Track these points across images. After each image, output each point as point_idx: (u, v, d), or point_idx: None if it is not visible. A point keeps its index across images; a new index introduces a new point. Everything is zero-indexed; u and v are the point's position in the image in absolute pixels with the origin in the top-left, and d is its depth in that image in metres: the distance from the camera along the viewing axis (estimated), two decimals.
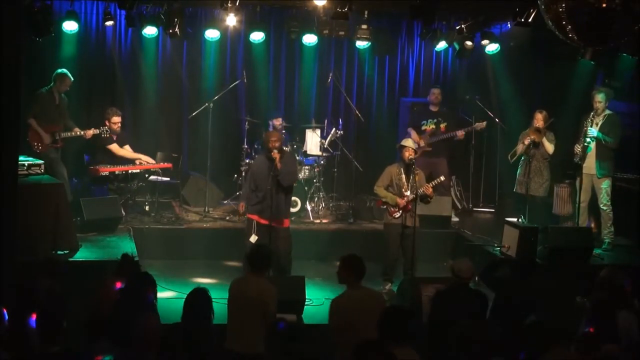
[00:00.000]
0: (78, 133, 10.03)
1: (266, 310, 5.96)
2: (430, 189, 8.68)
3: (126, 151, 10.28)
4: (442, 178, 9.11)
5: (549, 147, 9.81)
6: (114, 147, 10.20)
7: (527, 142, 9.78)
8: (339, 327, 5.79)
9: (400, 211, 8.64)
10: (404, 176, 8.72)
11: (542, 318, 5.81)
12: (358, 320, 5.72)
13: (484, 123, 11.21)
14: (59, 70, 9.93)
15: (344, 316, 5.81)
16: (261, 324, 5.89)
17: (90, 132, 10.04)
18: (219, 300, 8.00)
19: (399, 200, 8.64)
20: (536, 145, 9.79)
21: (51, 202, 8.28)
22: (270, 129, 10.70)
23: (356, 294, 5.95)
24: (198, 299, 5.62)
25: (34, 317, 5.19)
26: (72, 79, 9.99)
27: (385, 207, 8.98)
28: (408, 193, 8.59)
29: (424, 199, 8.72)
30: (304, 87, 11.96)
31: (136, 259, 6.92)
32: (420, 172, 8.87)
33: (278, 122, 10.87)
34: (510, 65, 11.72)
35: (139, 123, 11.26)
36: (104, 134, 10.10)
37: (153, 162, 10.48)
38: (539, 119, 9.79)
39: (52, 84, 9.87)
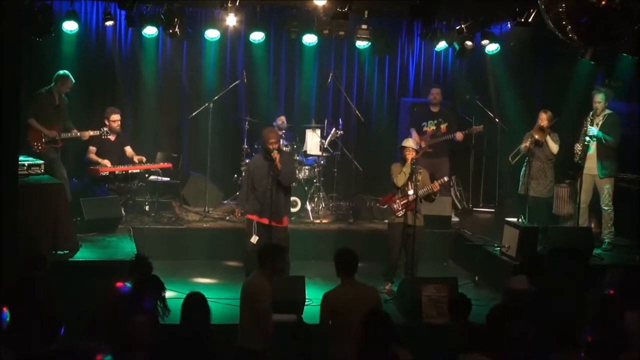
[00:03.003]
0: (76, 135, 10.04)
1: (256, 307, 6.07)
2: (437, 186, 8.70)
3: (93, 156, 10.23)
4: (446, 178, 9.18)
5: (554, 147, 9.80)
6: (91, 150, 10.24)
7: (528, 143, 9.77)
8: (327, 320, 5.96)
9: (403, 210, 8.65)
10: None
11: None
12: (345, 314, 5.87)
13: (481, 127, 11.24)
14: (61, 72, 9.92)
15: (333, 310, 5.97)
16: (255, 320, 6.04)
17: (87, 134, 10.05)
18: (219, 300, 8.06)
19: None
20: (539, 144, 9.78)
21: (51, 202, 8.27)
22: (275, 127, 10.73)
23: (346, 289, 6.08)
24: (194, 304, 5.61)
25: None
26: (74, 81, 9.99)
27: (386, 206, 9.00)
28: (411, 192, 8.60)
29: (429, 197, 8.73)
30: (304, 87, 11.96)
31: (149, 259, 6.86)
32: (424, 170, 8.88)
33: (281, 120, 10.92)
34: (510, 65, 11.72)
35: (139, 123, 11.27)
36: (104, 135, 10.11)
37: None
38: (543, 119, 9.79)
39: (52, 84, 9.87)
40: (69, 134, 9.99)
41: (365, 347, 5.05)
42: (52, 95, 9.88)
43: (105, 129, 10.14)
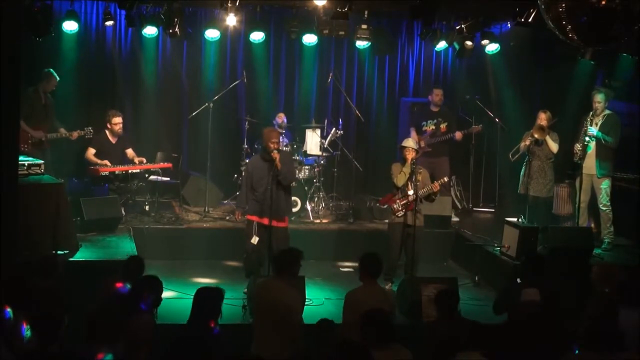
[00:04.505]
0: (64, 134, 10.02)
1: (290, 318, 5.94)
2: (438, 186, 8.70)
3: (91, 157, 10.17)
4: (446, 179, 9.17)
5: (553, 147, 9.80)
6: (89, 151, 10.19)
7: (528, 141, 9.78)
8: (349, 320, 5.95)
9: (403, 210, 8.64)
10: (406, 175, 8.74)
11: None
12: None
13: (480, 127, 11.25)
14: (46, 70, 9.92)
15: (354, 310, 5.93)
16: (287, 329, 5.89)
17: (76, 134, 10.05)
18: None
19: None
20: (539, 143, 9.78)
21: (51, 202, 8.27)
22: (276, 126, 10.73)
23: (368, 290, 6.15)
24: (210, 297, 5.59)
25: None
26: (58, 78, 9.97)
27: (386, 206, 9.00)
28: (411, 192, 8.60)
29: (429, 197, 8.74)
30: (304, 87, 11.96)
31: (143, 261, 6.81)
32: (424, 170, 8.88)
33: (280, 118, 10.93)
34: (510, 65, 11.72)
35: (139, 123, 11.26)
36: (87, 135, 10.10)
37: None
38: (542, 119, 9.78)
39: (37, 83, 9.84)
40: (56, 135, 9.98)
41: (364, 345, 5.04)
42: (38, 95, 9.87)
43: (89, 128, 10.11)
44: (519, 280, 6.84)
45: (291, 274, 6.22)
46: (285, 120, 11.02)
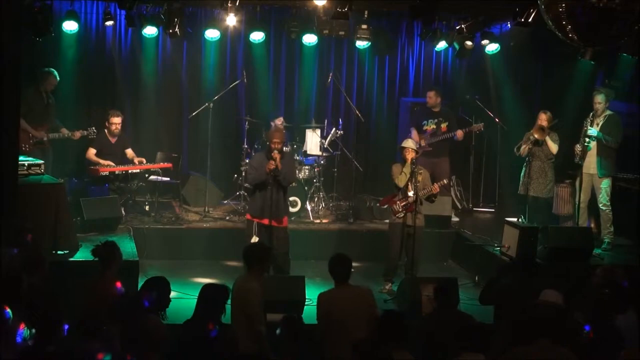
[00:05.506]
0: (66, 135, 10.01)
1: (247, 310, 6.04)
2: (438, 188, 8.70)
3: (93, 157, 10.13)
4: (446, 181, 9.17)
5: (553, 147, 9.80)
6: (90, 151, 10.17)
7: (526, 145, 9.77)
8: (323, 321, 5.98)
9: (404, 211, 8.65)
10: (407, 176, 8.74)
11: None
12: (341, 316, 5.91)
13: (482, 125, 11.24)
14: (44, 69, 9.92)
15: (327, 310, 6.00)
16: (247, 323, 6.00)
17: (78, 134, 10.05)
18: None
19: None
20: (539, 143, 9.78)
21: (51, 202, 8.26)
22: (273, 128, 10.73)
23: (340, 290, 6.14)
24: (216, 294, 5.61)
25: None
26: (58, 77, 9.96)
27: (386, 206, 9.01)
28: (411, 193, 8.59)
29: (430, 198, 8.74)
30: (304, 87, 11.96)
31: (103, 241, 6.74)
32: (425, 171, 8.88)
33: (279, 121, 10.92)
34: (510, 65, 11.73)
35: (139, 123, 11.27)
36: (90, 135, 10.10)
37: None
38: (542, 119, 9.78)
39: (37, 82, 9.83)
40: (58, 135, 9.98)
41: (373, 345, 5.05)
42: (39, 94, 9.86)
43: (92, 128, 10.12)
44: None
45: (259, 269, 6.33)
46: (283, 122, 11.00)
